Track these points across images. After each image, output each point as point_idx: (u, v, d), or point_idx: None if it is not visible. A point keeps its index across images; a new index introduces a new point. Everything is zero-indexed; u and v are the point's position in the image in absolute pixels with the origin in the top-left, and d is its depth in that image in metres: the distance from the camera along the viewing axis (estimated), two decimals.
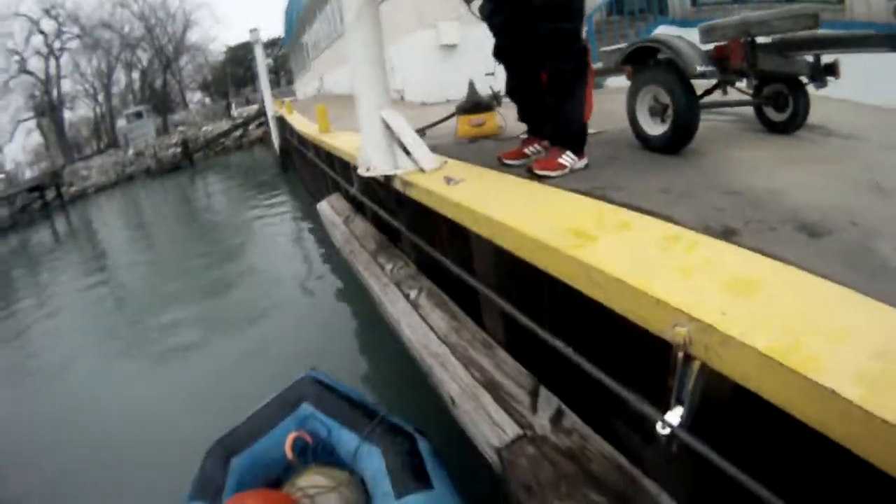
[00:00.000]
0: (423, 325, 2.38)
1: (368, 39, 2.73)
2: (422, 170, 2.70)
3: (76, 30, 36.62)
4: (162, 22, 38.59)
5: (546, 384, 1.80)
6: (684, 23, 7.62)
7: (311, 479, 1.92)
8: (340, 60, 14.35)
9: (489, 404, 1.78)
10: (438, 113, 4.78)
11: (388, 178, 2.89)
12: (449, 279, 2.67)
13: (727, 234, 1.39)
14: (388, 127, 2.78)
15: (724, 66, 2.42)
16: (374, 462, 1.99)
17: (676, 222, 1.50)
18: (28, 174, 28.22)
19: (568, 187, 2.01)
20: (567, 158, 2.26)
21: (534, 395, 1.76)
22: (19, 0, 36.07)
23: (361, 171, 3.00)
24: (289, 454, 2.10)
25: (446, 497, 1.85)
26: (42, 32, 35.80)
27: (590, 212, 1.70)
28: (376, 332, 3.83)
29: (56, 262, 13.16)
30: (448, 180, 2.35)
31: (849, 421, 0.75)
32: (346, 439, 2.16)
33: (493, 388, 1.85)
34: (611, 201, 1.77)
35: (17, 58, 35.49)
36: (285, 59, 36.43)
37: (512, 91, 2.70)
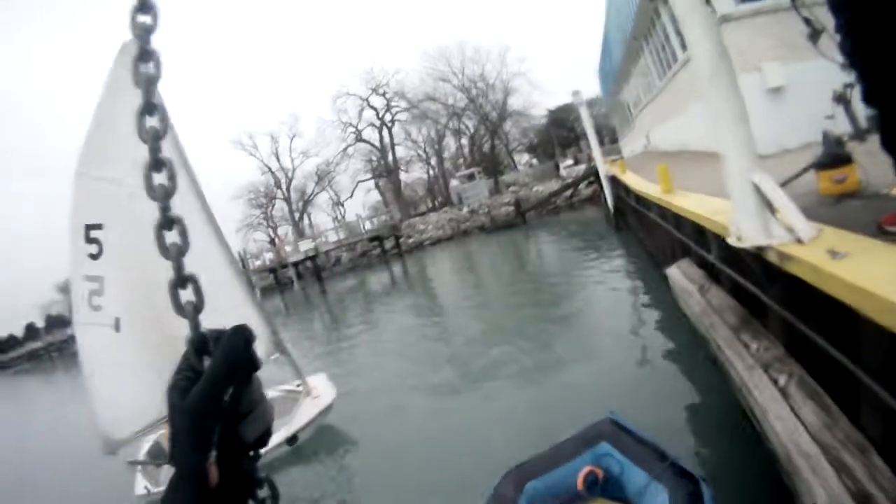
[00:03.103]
0: (793, 417, 2.17)
1: (730, 94, 2.59)
2: (799, 240, 2.42)
3: (403, 103, 43.92)
4: (483, 92, 43.06)
5: None
6: None
7: None
8: (664, 116, 13.86)
9: None
10: (776, 166, 4.24)
11: (761, 249, 2.66)
12: (823, 366, 2.33)
13: None
14: (758, 192, 2.59)
15: None
16: (658, 501, 2.13)
17: None
18: (367, 226, 33.99)
19: None
20: None
21: None
22: (348, 80, 45.91)
23: (732, 241, 2.85)
24: (579, 485, 2.36)
25: None
26: (372, 108, 44.02)
27: None
28: (727, 413, 3.59)
29: (390, 300, 15.58)
30: (833, 254, 2.07)
31: None
32: (636, 477, 2.32)
33: (863, 501, 1.67)
34: None
35: (352, 129, 44.41)
36: (605, 117, 36.66)
37: (890, 141, 2.17)
